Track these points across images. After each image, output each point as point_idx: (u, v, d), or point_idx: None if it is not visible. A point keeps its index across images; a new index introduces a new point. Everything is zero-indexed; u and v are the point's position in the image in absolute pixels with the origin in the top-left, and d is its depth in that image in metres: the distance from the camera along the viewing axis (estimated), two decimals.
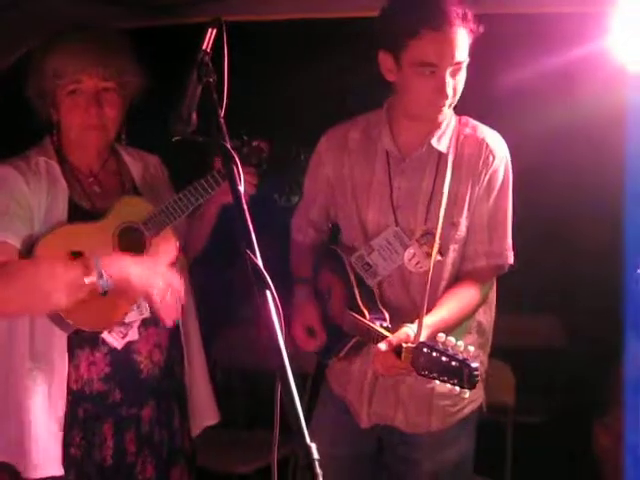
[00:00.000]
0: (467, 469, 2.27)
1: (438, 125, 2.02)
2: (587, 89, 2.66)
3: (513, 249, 2.11)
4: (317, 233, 2.28)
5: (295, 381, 1.16)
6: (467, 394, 1.76)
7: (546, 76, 2.49)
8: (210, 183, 2.04)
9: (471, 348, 1.75)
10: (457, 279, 2.08)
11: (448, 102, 1.93)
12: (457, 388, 1.74)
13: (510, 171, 2.07)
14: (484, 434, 2.37)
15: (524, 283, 3.29)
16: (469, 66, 1.92)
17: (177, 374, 2.17)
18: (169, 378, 2.15)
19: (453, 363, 1.72)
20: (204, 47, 1.57)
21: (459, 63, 1.88)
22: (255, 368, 3.00)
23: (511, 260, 2.11)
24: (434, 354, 1.76)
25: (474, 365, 1.71)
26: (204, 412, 2.24)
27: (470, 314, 2.08)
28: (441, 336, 1.78)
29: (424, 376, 1.79)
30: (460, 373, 1.72)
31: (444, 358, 1.74)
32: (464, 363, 1.71)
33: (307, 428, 1.12)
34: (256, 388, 3.36)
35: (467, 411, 2.18)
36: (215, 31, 1.59)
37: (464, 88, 1.94)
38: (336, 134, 2.17)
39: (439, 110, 1.94)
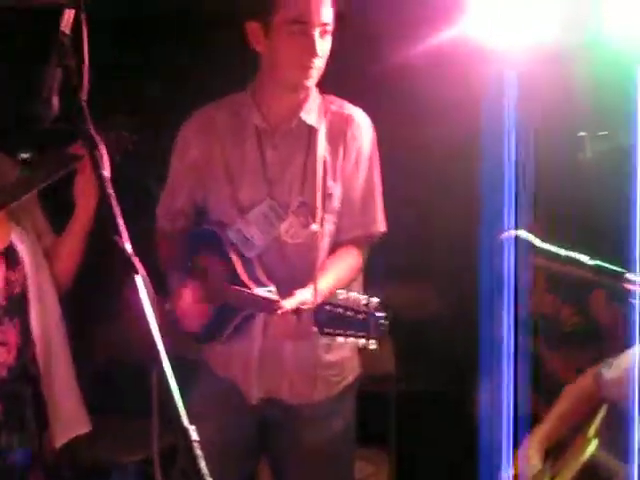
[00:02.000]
0: (350, 438, 2.32)
1: (306, 97, 2.08)
2: (448, 69, 2.75)
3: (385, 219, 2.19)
4: (186, 219, 2.25)
5: (173, 366, 1.16)
6: (374, 345, 1.75)
7: (409, 57, 2.57)
8: (37, 176, 1.93)
9: (374, 299, 1.76)
10: (334, 248, 2.13)
11: (317, 64, 1.99)
12: (362, 341, 1.73)
13: (376, 145, 2.15)
14: (367, 404, 2.43)
15: (401, 253, 3.39)
16: (335, 51, 1.99)
17: (33, 377, 2.07)
18: (23, 381, 2.05)
19: (359, 316, 1.72)
20: (62, 28, 1.52)
21: (326, 24, 1.97)
22: (135, 356, 2.94)
23: (383, 228, 2.19)
24: (338, 310, 1.76)
25: (380, 314, 1.73)
26: (69, 420, 2.12)
27: (355, 277, 2.14)
28: (341, 292, 1.79)
29: (328, 335, 1.78)
30: (367, 325, 1.72)
31: (349, 312, 1.74)
32: (370, 314, 1.72)
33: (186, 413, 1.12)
34: (139, 376, 3.30)
35: (351, 379, 2.24)
36: (73, 12, 1.54)
37: (330, 68, 2.01)
38: (202, 116, 2.17)
39: (308, 72, 2.00)
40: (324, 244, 2.12)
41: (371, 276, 2.28)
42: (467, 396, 3.10)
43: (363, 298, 1.76)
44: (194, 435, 1.10)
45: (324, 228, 2.10)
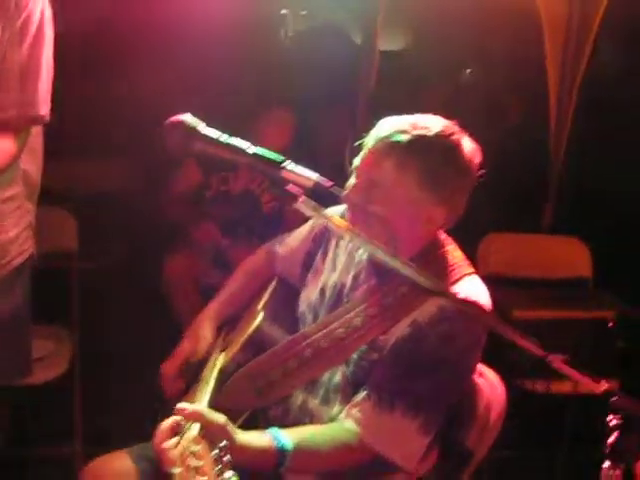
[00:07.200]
0: (24, 318, 2.27)
1: None
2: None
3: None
4: None
5: None
6: None
7: None
8: None
9: None
10: None
11: None
12: None
13: (49, 18, 1.97)
14: (48, 282, 2.37)
15: (86, 129, 3.28)
16: None
17: None
18: None
19: None
20: None
21: None
22: None
23: (44, 112, 2.04)
24: None
25: None
26: None
27: (6, 164, 1.99)
28: None
29: None
30: None
31: None
32: None
33: None
34: None
35: (17, 262, 2.16)
36: None
37: None
38: None
39: None
40: None
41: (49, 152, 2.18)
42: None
43: None
44: None
45: None
